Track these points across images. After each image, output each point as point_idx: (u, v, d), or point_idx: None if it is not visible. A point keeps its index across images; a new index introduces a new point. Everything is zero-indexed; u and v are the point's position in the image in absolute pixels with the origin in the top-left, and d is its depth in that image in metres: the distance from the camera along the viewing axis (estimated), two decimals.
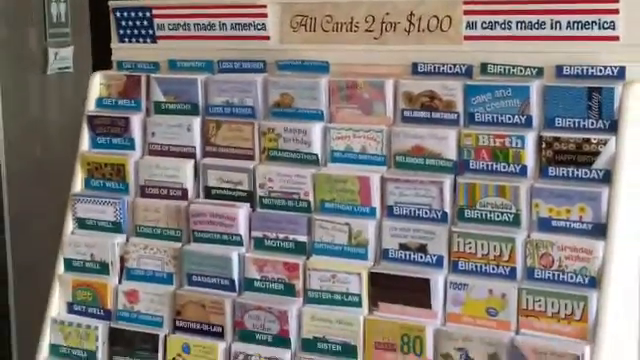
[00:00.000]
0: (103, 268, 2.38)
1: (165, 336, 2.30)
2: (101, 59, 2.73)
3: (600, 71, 1.98)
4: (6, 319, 4.26)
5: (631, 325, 2.03)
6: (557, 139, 1.97)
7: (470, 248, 2.01)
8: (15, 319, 4.26)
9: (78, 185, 2.45)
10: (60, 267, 2.43)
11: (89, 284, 2.39)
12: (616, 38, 1.97)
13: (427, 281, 2.03)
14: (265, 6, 2.29)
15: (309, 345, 2.14)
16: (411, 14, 2.15)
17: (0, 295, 4.23)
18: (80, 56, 4.48)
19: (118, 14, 2.48)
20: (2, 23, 4.17)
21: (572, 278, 1.92)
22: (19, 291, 4.27)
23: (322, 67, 2.23)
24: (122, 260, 2.37)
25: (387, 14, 2.18)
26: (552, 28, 2.03)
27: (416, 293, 2.05)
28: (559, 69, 2.01)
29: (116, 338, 2.35)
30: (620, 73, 1.96)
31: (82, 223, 2.43)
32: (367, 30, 2.21)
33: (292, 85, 2.23)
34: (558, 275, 1.94)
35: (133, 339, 2.33)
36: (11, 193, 4.25)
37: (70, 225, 2.44)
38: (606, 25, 1.97)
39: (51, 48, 4.41)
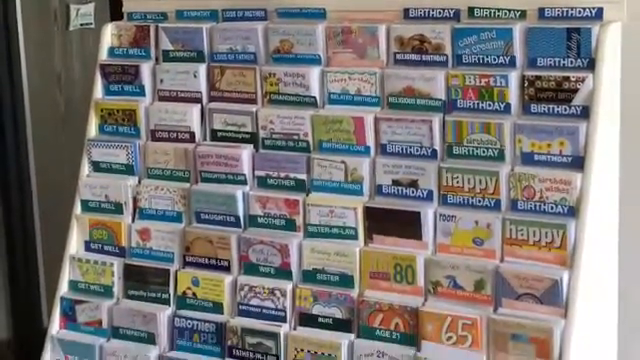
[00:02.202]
0: (117, 208, 2.43)
1: (176, 271, 2.34)
2: (118, 13, 2.76)
3: (579, 12, 2.02)
4: (34, 262, 4.38)
5: (610, 252, 2.12)
6: (539, 78, 2.02)
7: (458, 182, 2.07)
8: (43, 262, 4.37)
9: (93, 131, 2.49)
10: (77, 208, 2.48)
11: (104, 223, 2.44)
12: None
13: (418, 214, 2.09)
14: None
15: (309, 276, 2.20)
16: None
17: (28, 239, 4.35)
18: (101, 12, 4.53)
19: None
20: None
21: (552, 208, 1.98)
22: (45, 234, 4.38)
23: (319, 14, 2.27)
24: (135, 200, 2.42)
25: None
26: None
27: (408, 225, 2.11)
28: (541, 11, 2.05)
29: (130, 273, 2.39)
30: (598, 14, 2.00)
31: (97, 166, 2.48)
32: None
33: (291, 32, 2.27)
34: (539, 206, 2.00)
35: (146, 274, 2.37)
36: (36, 143, 4.35)
37: (86, 169, 2.49)
38: None
39: (73, 5, 4.45)
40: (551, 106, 2.02)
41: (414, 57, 2.16)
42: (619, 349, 2.21)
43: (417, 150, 2.13)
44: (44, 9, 4.41)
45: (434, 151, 2.11)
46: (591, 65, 1.98)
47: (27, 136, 4.29)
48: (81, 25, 4.52)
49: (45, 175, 4.35)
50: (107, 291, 2.43)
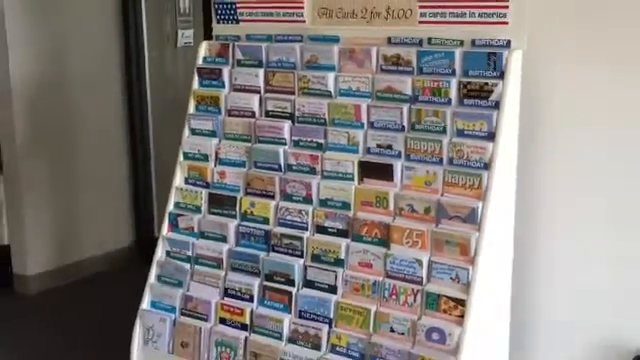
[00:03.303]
0: (205, 158, 2.48)
1: (240, 198, 2.39)
2: (209, 35, 2.86)
3: (496, 42, 2.10)
4: (150, 191, 4.52)
5: (510, 190, 2.22)
6: (469, 83, 2.10)
7: (417, 146, 2.15)
8: (155, 192, 4.52)
9: (191, 109, 2.54)
10: (180, 157, 2.50)
11: (197, 167, 2.49)
12: (506, 23, 2.10)
13: (391, 166, 2.17)
14: (302, 2, 2.37)
15: (323, 203, 2.26)
16: (388, 7, 2.24)
17: (147, 176, 4.49)
18: (198, 35, 4.69)
19: (216, 6, 2.52)
20: (149, 14, 4.42)
21: (474, 164, 2.07)
22: (157, 173, 4.53)
23: (335, 39, 2.32)
24: (216, 153, 2.46)
25: (374, 7, 2.26)
26: (470, 16, 2.12)
27: (385, 173, 2.17)
28: (473, 41, 2.11)
29: (212, 199, 2.44)
30: (507, 44, 2.09)
31: (193, 131, 2.51)
32: (362, 17, 2.28)
33: (317, 50, 2.31)
34: (466, 162, 2.08)
35: (222, 199, 2.42)
36: (154, 122, 4.52)
37: (186, 132, 2.51)
38: (501, 15, 2.09)
39: (179, 30, 4.63)
40: (476, 101, 2.09)
41: (393, 68, 2.21)
42: (515, 247, 2.29)
43: (393, 126, 2.19)
44: (161, 33, 4.58)
45: (403, 127, 2.18)
46: (502, 76, 2.06)
47: (148, 115, 4.47)
48: (184, 44, 4.69)
49: (160, 141, 4.53)
50: (197, 209, 2.48)
